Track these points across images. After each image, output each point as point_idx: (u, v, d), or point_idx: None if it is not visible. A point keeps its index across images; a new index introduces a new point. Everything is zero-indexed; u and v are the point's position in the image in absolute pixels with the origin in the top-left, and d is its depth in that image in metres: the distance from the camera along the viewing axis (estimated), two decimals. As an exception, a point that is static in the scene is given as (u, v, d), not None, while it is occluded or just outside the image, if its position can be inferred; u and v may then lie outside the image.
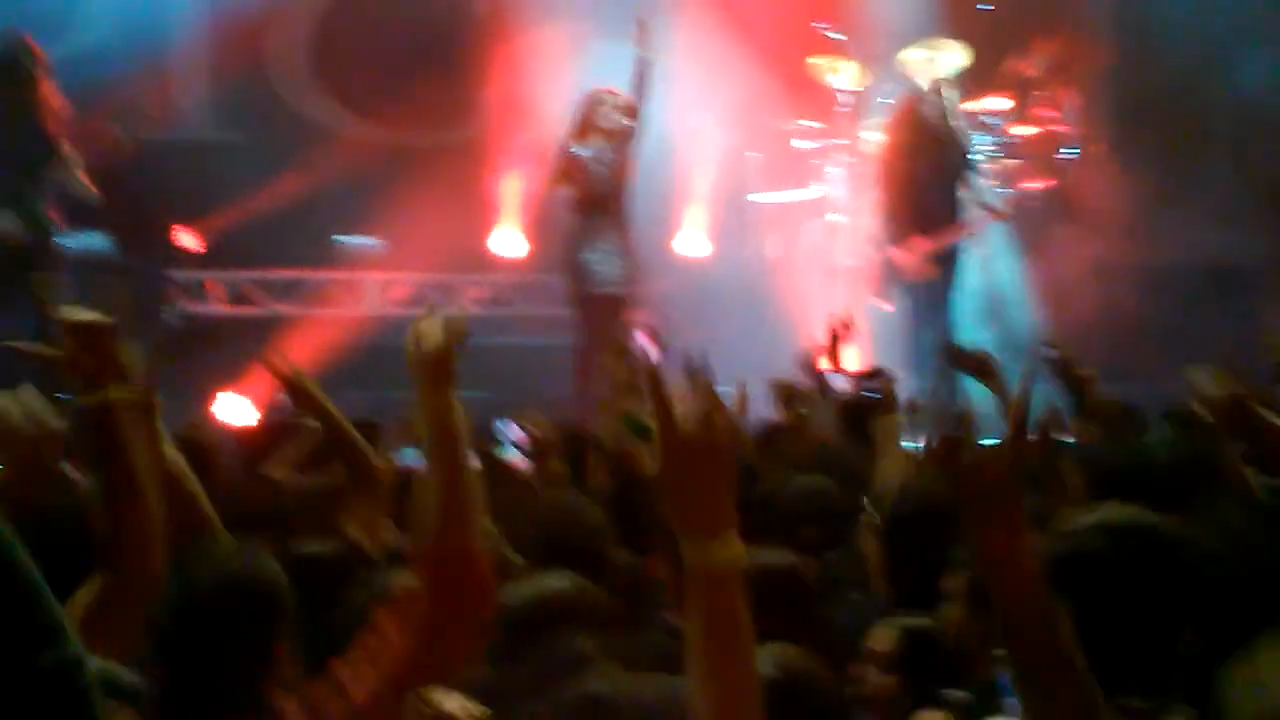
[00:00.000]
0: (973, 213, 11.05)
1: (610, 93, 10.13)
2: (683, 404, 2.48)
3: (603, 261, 9.95)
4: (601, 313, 9.91)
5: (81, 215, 10.40)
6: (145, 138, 11.51)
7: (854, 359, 11.00)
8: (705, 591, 2.44)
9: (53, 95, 9.92)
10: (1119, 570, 2.79)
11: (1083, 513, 2.96)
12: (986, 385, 5.65)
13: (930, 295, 10.78)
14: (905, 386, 8.04)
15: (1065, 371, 6.14)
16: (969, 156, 11.15)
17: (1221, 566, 2.95)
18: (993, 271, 11.71)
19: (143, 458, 3.34)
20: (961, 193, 10.97)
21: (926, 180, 10.85)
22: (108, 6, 12.35)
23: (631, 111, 10.02)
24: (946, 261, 10.83)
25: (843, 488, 5.01)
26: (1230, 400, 3.71)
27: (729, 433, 2.50)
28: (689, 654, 2.45)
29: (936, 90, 11.14)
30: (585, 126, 10.08)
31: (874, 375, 5.68)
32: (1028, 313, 11.61)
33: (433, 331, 3.02)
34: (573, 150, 10.06)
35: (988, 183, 11.44)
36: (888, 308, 11.12)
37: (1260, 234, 12.29)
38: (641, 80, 9.94)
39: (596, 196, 9.99)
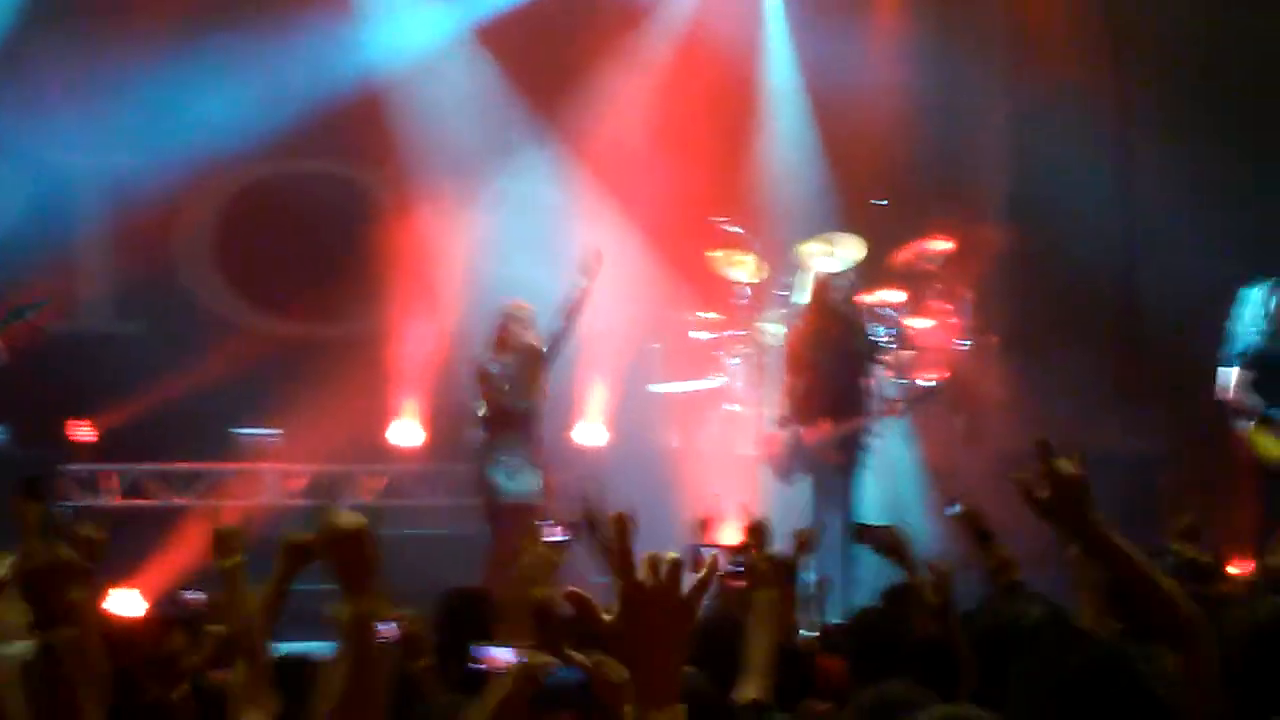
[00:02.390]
0: (875, 401, 11.18)
1: (521, 308, 10.12)
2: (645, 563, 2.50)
3: (511, 475, 9.92)
4: (512, 524, 9.84)
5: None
6: (46, 328, 11.49)
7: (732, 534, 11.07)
8: None
9: None
10: None
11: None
12: (895, 561, 5.70)
13: (835, 479, 10.84)
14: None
15: (972, 527, 6.16)
16: (873, 344, 11.30)
17: None
18: (889, 459, 11.80)
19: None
20: (865, 380, 11.11)
21: (833, 364, 10.95)
22: (10, 199, 12.37)
23: (540, 329, 10.01)
24: (851, 445, 10.92)
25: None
26: (1075, 480, 3.70)
27: (689, 600, 2.52)
28: None
29: (845, 276, 11.33)
30: (499, 342, 10.06)
31: (744, 549, 5.60)
32: (922, 499, 11.69)
33: (345, 521, 2.95)
34: (484, 365, 10.04)
35: (886, 373, 11.57)
36: (786, 488, 11.18)
37: (1158, 425, 12.47)
38: (577, 305, 9.96)
39: (506, 411, 9.96)
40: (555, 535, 7.17)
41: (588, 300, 9.98)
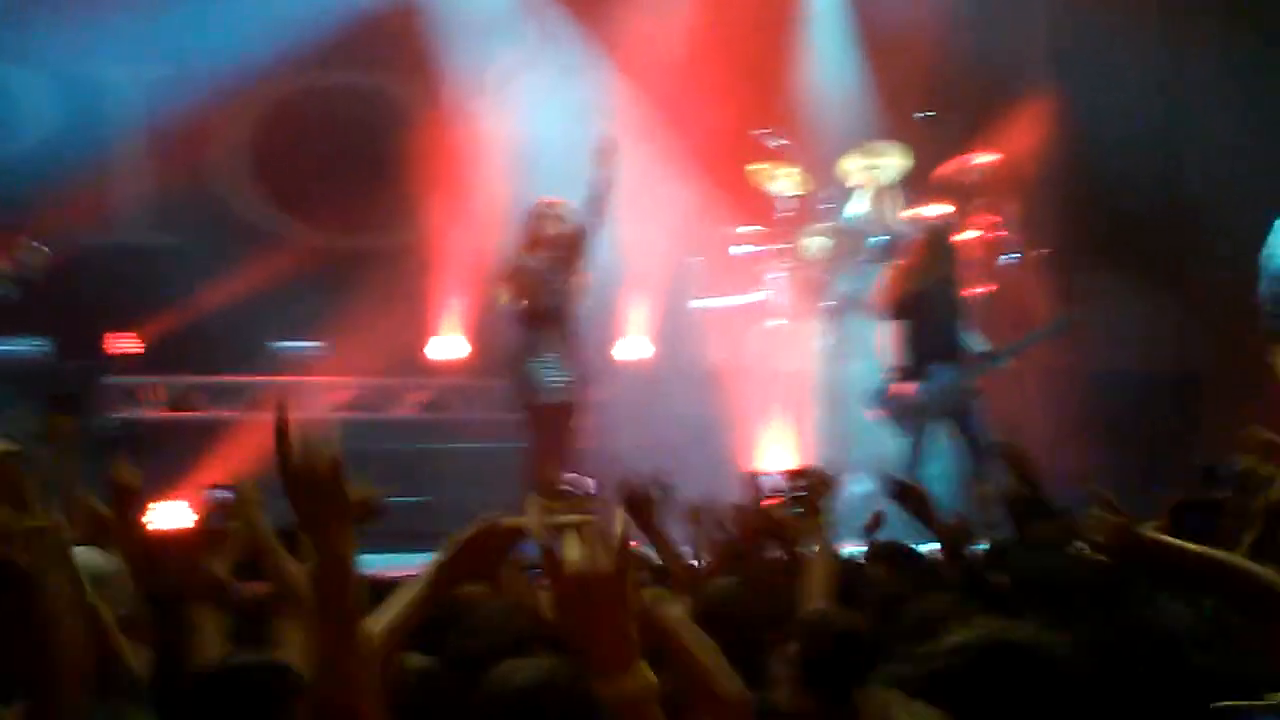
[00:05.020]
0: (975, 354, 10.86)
1: (553, 203, 10.02)
2: (571, 544, 2.50)
3: (549, 372, 9.86)
4: (549, 422, 9.82)
5: (18, 319, 10.31)
6: (83, 241, 11.48)
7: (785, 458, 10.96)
8: None
9: None
10: (983, 687, 2.76)
11: (959, 630, 2.94)
12: (920, 520, 5.75)
13: (942, 428, 10.60)
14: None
15: (1019, 469, 6.14)
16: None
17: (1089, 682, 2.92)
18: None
19: (57, 587, 3.27)
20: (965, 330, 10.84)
21: (943, 313, 10.71)
22: (49, 109, 12.35)
23: (572, 223, 9.91)
24: (963, 395, 10.69)
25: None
26: (1118, 530, 3.67)
27: (615, 567, 2.51)
28: None
29: (946, 228, 11.03)
30: (531, 238, 9.98)
31: (802, 473, 5.56)
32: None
33: (316, 451, 2.72)
34: (518, 262, 9.97)
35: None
36: (831, 412, 11.10)
37: (1200, 339, 12.36)
38: (600, 197, 9.84)
39: (542, 307, 9.90)
40: (580, 488, 7.17)
41: (610, 190, 9.83)
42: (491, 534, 3.27)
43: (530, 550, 3.25)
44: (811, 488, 5.41)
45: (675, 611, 3.17)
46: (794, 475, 5.61)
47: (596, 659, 2.49)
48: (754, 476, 6.12)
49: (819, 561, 5.04)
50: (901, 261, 11.20)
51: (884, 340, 10.77)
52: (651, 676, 2.51)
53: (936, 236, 10.93)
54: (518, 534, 3.26)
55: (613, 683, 2.47)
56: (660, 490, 5.88)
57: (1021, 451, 6.33)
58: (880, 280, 11.38)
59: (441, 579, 3.26)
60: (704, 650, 3.07)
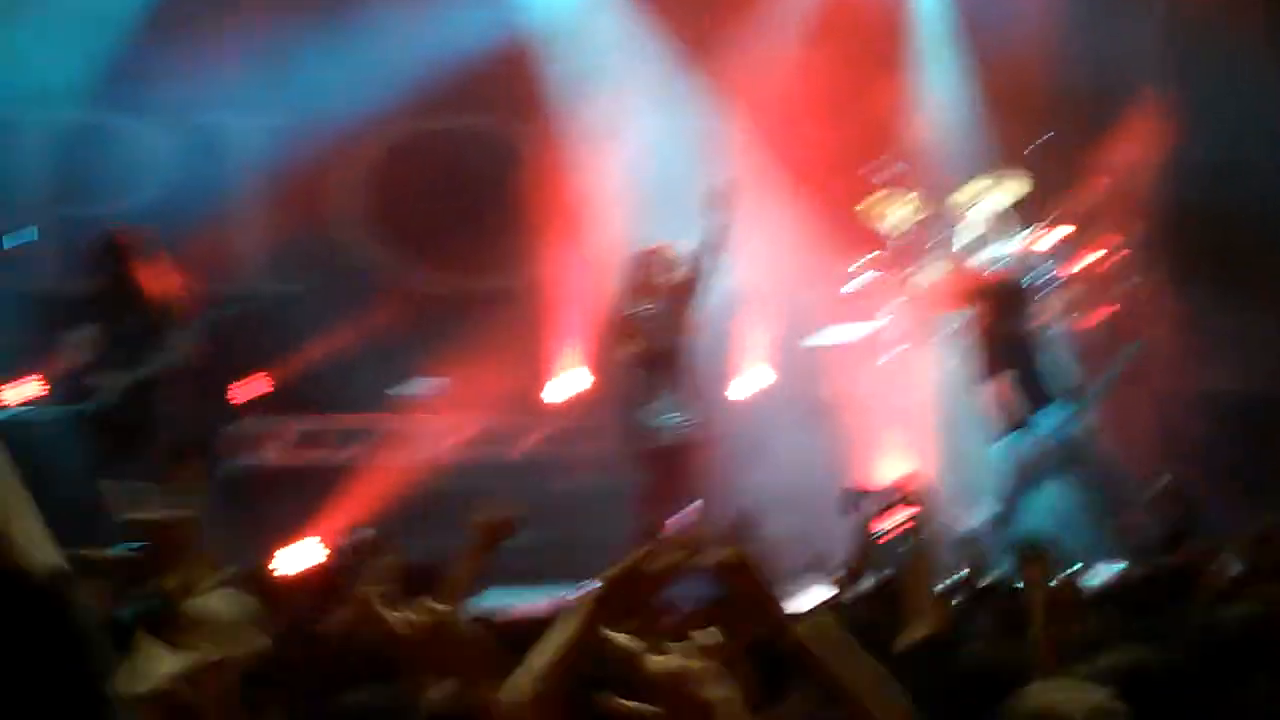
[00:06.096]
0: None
1: (660, 249, 10.09)
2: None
3: (663, 414, 9.90)
4: (661, 466, 9.83)
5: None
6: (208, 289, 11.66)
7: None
8: None
9: (153, 277, 10.12)
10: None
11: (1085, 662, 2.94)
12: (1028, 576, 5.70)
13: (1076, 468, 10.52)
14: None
15: (1175, 500, 6.04)
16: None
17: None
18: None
19: None
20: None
21: (1031, 359, 10.62)
22: (169, 158, 12.53)
23: (683, 268, 9.94)
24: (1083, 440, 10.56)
25: None
26: None
27: None
28: None
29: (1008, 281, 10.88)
30: (640, 285, 10.04)
31: (897, 490, 5.53)
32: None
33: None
34: (626, 310, 10.04)
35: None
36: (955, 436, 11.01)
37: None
38: (715, 243, 9.87)
39: (652, 353, 9.96)
40: (684, 518, 7.19)
41: (726, 236, 9.86)
42: (645, 570, 3.24)
43: (683, 592, 3.25)
44: (912, 499, 5.38)
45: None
46: (888, 492, 5.60)
47: None
48: (858, 493, 6.08)
49: (917, 581, 4.98)
50: (979, 320, 11.16)
51: (991, 398, 10.71)
52: None
53: (1000, 288, 10.83)
54: (672, 570, 3.23)
55: None
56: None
57: (1178, 484, 6.22)
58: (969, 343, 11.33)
59: (595, 617, 3.23)
60: None
